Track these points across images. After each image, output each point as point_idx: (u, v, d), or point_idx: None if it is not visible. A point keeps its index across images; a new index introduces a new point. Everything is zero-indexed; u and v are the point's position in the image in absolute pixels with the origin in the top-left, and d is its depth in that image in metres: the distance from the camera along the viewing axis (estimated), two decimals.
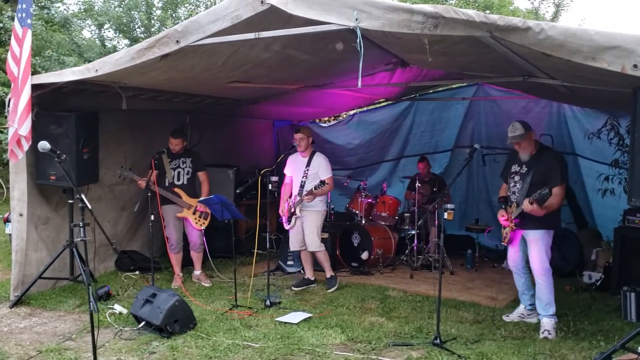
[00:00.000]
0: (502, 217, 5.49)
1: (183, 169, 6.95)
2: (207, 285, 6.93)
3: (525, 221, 5.27)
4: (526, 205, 5.08)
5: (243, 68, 5.96)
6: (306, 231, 6.69)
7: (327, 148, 10.71)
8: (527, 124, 5.31)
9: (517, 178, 5.43)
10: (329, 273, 6.82)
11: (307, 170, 6.67)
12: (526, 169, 5.36)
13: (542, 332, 5.17)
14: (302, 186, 6.63)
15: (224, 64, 5.67)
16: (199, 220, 6.90)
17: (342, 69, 6.46)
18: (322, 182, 6.41)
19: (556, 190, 5.12)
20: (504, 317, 5.66)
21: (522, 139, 5.27)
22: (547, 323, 5.24)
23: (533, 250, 5.32)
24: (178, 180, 6.90)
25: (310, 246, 6.73)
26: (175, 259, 6.91)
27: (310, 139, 6.75)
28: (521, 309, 5.68)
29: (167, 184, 6.80)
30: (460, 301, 6.33)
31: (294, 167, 6.78)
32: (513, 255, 5.60)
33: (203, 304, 6.07)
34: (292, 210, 6.64)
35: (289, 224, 6.76)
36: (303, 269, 7.10)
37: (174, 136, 6.86)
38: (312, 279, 6.90)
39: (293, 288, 6.72)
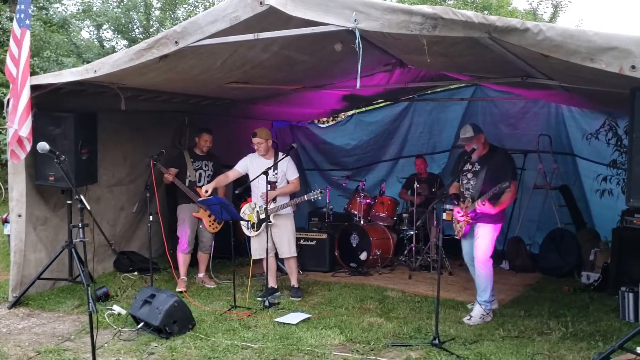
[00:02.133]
0: (457, 212, 5.79)
1: (205, 171, 7.02)
2: (211, 286, 6.93)
3: (478, 216, 5.64)
4: (479, 206, 5.47)
5: (242, 69, 5.97)
6: (280, 237, 6.41)
7: (325, 149, 10.76)
8: (477, 127, 5.75)
9: (469, 175, 5.78)
10: (297, 283, 6.56)
11: (276, 174, 6.39)
12: (479, 167, 5.72)
13: (467, 316, 5.65)
14: (274, 190, 6.38)
15: (222, 65, 5.67)
16: (212, 224, 6.93)
17: (340, 69, 6.46)
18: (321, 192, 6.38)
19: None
20: (468, 306, 6.00)
21: (471, 140, 5.63)
22: (477, 308, 5.68)
23: (479, 241, 5.68)
24: (199, 181, 6.95)
25: (286, 252, 6.45)
26: (184, 260, 6.85)
27: (269, 142, 6.46)
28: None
29: (187, 183, 6.82)
30: (459, 301, 6.34)
31: (256, 170, 6.34)
32: (469, 248, 5.90)
33: (202, 304, 6.07)
34: (262, 216, 6.32)
35: (255, 231, 6.44)
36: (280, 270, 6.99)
37: (209, 132, 6.99)
38: (277, 286, 6.57)
39: (258, 299, 6.27)
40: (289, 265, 6.60)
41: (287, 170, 6.46)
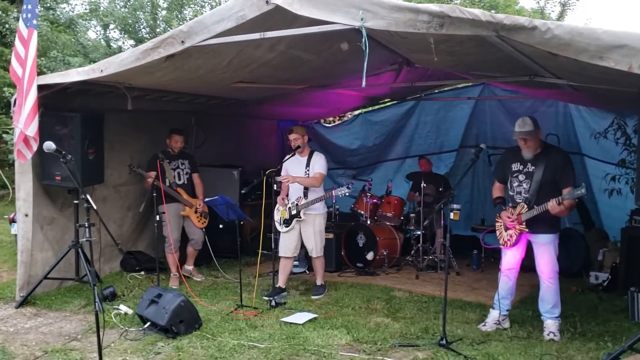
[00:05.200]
0: (507, 218, 5.25)
1: (182, 169, 7.12)
2: (199, 279, 7.14)
3: (535, 225, 5.08)
4: (553, 206, 4.83)
5: (248, 68, 5.96)
6: (309, 236, 6.46)
7: (331, 148, 10.75)
8: (536, 121, 5.12)
9: (521, 177, 5.21)
10: (321, 281, 6.60)
11: (307, 170, 6.44)
12: (533, 167, 5.13)
13: (548, 334, 5.10)
14: (306, 187, 6.43)
15: (229, 64, 5.67)
16: (200, 219, 7.12)
17: (347, 69, 6.45)
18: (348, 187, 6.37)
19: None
20: (480, 327, 5.41)
21: (531, 135, 5.04)
22: (552, 325, 5.16)
23: (545, 255, 5.17)
24: (179, 180, 7.06)
25: (314, 251, 6.49)
26: (173, 259, 6.94)
27: (305, 138, 6.53)
28: (496, 315, 5.42)
29: (167, 184, 6.86)
30: (467, 302, 6.31)
31: (293, 169, 6.48)
32: (513, 259, 5.36)
33: (208, 304, 6.07)
34: (294, 212, 6.39)
35: (286, 227, 6.46)
36: (309, 269, 7.05)
37: (178, 132, 7.04)
38: (284, 287, 6.57)
39: (265, 297, 6.26)
40: (315, 265, 6.63)
41: (315, 165, 6.46)
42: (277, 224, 6.59)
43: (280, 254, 6.56)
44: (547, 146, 5.25)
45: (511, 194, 5.32)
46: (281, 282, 6.52)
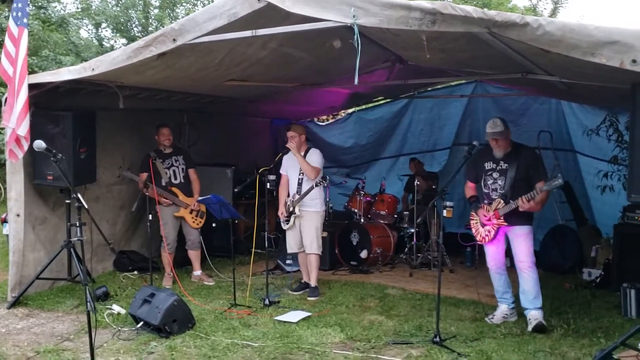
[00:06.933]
0: (484, 216, 5.45)
1: (177, 167, 6.97)
2: (210, 283, 6.97)
3: (512, 218, 5.27)
4: (522, 204, 5.08)
5: (240, 66, 5.94)
6: (305, 232, 6.51)
7: (324, 147, 10.72)
8: (505, 121, 5.38)
9: (495, 175, 5.43)
10: (314, 282, 6.55)
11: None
12: (506, 165, 5.36)
13: (535, 320, 5.20)
14: (299, 184, 6.48)
15: (220, 62, 5.65)
16: (195, 220, 6.97)
17: (339, 67, 6.44)
18: (324, 178, 6.33)
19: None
20: (487, 320, 5.53)
21: (502, 135, 5.30)
22: (537, 313, 5.27)
23: (522, 245, 5.33)
24: (175, 179, 6.92)
25: (308, 248, 6.51)
26: (167, 258, 6.87)
27: (303, 137, 6.57)
28: (504, 309, 5.58)
29: (163, 184, 6.79)
30: (460, 299, 6.32)
31: (289, 166, 6.59)
32: (496, 254, 5.54)
33: (202, 303, 6.05)
34: (291, 209, 6.49)
35: (287, 224, 6.56)
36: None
37: (165, 125, 6.90)
38: (307, 281, 6.68)
39: (291, 292, 6.58)
40: (309, 262, 6.60)
41: (311, 158, 6.49)
42: (282, 223, 6.69)
43: (287, 250, 6.79)
44: (517, 145, 5.49)
45: (486, 191, 5.53)
46: (304, 277, 6.71)
